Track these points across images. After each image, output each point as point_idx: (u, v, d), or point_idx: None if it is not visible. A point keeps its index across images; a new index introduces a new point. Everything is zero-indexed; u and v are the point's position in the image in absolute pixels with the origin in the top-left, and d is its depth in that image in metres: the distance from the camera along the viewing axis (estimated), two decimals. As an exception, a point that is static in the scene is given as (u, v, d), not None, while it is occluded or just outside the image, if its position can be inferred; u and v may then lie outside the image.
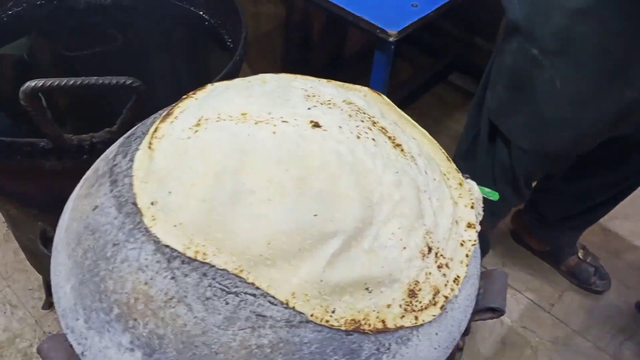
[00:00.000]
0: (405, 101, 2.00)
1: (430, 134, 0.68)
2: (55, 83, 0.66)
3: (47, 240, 0.97)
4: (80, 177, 0.63)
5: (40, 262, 1.12)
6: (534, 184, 1.36)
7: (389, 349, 0.48)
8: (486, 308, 0.55)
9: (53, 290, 0.53)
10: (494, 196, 0.87)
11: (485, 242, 1.38)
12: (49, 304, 1.48)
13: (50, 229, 0.96)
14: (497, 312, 0.55)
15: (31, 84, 0.66)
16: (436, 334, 0.50)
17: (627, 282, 1.63)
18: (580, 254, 1.60)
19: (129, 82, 0.69)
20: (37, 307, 1.49)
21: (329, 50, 2.10)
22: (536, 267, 1.66)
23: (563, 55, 0.99)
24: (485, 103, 1.19)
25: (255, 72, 1.87)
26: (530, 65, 1.03)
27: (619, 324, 1.53)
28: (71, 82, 0.67)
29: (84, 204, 0.54)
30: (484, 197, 0.82)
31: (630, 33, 0.93)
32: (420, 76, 1.99)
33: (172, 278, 0.46)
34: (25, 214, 0.96)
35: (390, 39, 1.16)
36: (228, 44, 1.07)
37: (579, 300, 1.58)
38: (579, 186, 1.38)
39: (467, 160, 1.31)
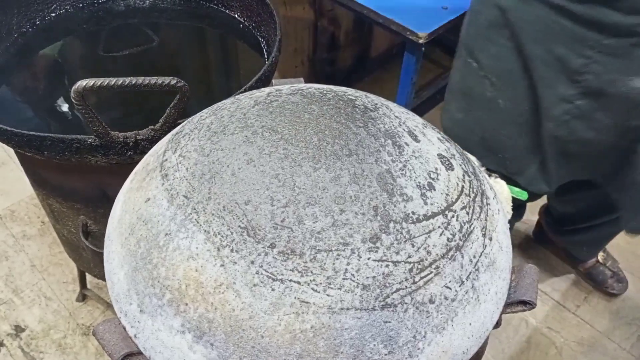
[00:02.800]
0: (429, 101, 2.01)
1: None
2: (105, 83, 0.70)
3: (88, 234, 1.01)
4: (124, 173, 0.66)
5: (80, 254, 1.16)
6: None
7: (424, 336, 0.50)
8: (518, 301, 0.57)
9: (107, 276, 0.57)
10: (523, 196, 0.89)
11: None
12: (82, 297, 1.52)
13: (91, 222, 1.01)
14: (528, 305, 0.57)
15: (82, 83, 0.69)
16: (470, 324, 0.53)
17: (653, 284, 1.63)
18: (600, 257, 1.60)
19: (173, 82, 0.72)
20: (71, 299, 1.54)
21: (355, 51, 2.13)
22: (561, 268, 1.66)
23: (500, 74, 0.99)
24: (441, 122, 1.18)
25: (284, 72, 1.90)
26: (475, 82, 1.02)
27: (645, 326, 1.53)
28: (120, 81, 0.70)
29: (136, 197, 0.57)
30: (512, 197, 0.85)
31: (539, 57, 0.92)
32: (445, 77, 2.00)
33: (222, 266, 0.49)
34: (68, 207, 1.00)
35: (421, 41, 1.18)
36: (262, 46, 1.10)
37: (604, 302, 1.59)
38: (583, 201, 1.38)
39: None
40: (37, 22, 1.15)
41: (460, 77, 1.06)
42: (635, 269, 1.64)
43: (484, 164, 1.11)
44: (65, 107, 1.04)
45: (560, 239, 1.60)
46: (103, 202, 0.94)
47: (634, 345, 1.49)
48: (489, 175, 0.78)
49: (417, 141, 0.58)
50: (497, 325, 0.57)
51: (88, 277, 1.49)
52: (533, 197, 1.33)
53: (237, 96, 0.66)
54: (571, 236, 1.53)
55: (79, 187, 0.94)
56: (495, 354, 1.47)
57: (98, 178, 0.90)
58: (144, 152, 0.67)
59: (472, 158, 0.71)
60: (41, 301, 1.54)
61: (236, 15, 1.18)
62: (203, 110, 0.65)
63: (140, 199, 0.57)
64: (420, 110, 1.94)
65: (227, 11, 1.20)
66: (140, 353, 0.52)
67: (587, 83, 0.91)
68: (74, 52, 1.22)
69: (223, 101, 0.66)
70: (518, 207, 1.41)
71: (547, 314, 1.56)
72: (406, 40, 1.24)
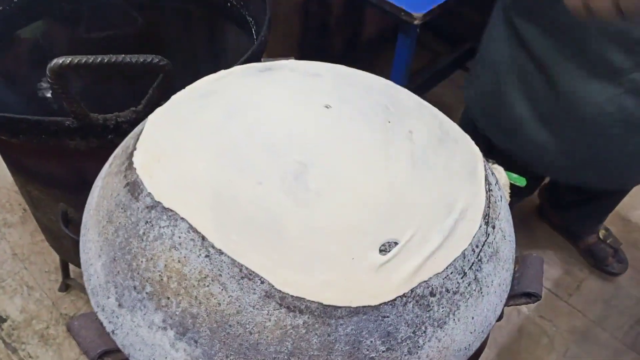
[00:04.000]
0: (422, 87, 1.98)
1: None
2: (83, 60, 0.65)
3: (68, 221, 0.97)
4: (104, 157, 0.62)
5: (61, 243, 1.12)
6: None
7: (425, 332, 0.47)
8: (522, 293, 0.54)
9: (83, 268, 0.53)
10: (521, 182, 0.86)
11: None
12: (65, 286, 1.49)
13: (71, 209, 0.96)
14: (533, 297, 0.54)
15: (59, 60, 0.65)
16: (472, 318, 0.49)
17: (647, 272, 1.61)
18: (600, 234, 1.58)
19: (156, 60, 0.68)
20: (54, 289, 1.50)
21: (346, 34, 2.09)
22: (554, 256, 1.65)
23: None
24: None
25: (272, 56, 1.86)
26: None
27: (637, 315, 1.52)
28: (98, 59, 0.66)
29: (115, 182, 0.53)
30: (511, 183, 0.82)
31: None
32: (439, 62, 1.97)
33: (207, 256, 0.45)
34: (47, 194, 0.96)
35: (415, 22, 1.15)
36: (250, 25, 1.06)
37: (597, 291, 1.57)
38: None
39: None
40: (15, 0, 1.10)
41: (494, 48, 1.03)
42: (628, 257, 1.62)
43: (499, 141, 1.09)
44: (46, 90, 1.00)
45: (560, 216, 1.59)
46: (83, 189, 0.89)
47: (627, 334, 1.48)
48: (487, 162, 0.75)
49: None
50: (500, 318, 0.54)
51: (71, 266, 1.45)
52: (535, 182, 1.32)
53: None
54: (573, 210, 1.51)
55: (58, 173, 0.90)
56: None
57: (77, 163, 0.85)
58: (125, 135, 0.63)
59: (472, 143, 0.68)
60: (23, 290, 1.50)
61: (223, -6, 1.14)
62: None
63: (120, 184, 0.53)
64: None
65: (213, -12, 1.15)
66: (118, 351, 0.49)
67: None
68: (54, 33, 1.17)
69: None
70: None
71: (540, 302, 1.54)
72: (400, 21, 1.20)
